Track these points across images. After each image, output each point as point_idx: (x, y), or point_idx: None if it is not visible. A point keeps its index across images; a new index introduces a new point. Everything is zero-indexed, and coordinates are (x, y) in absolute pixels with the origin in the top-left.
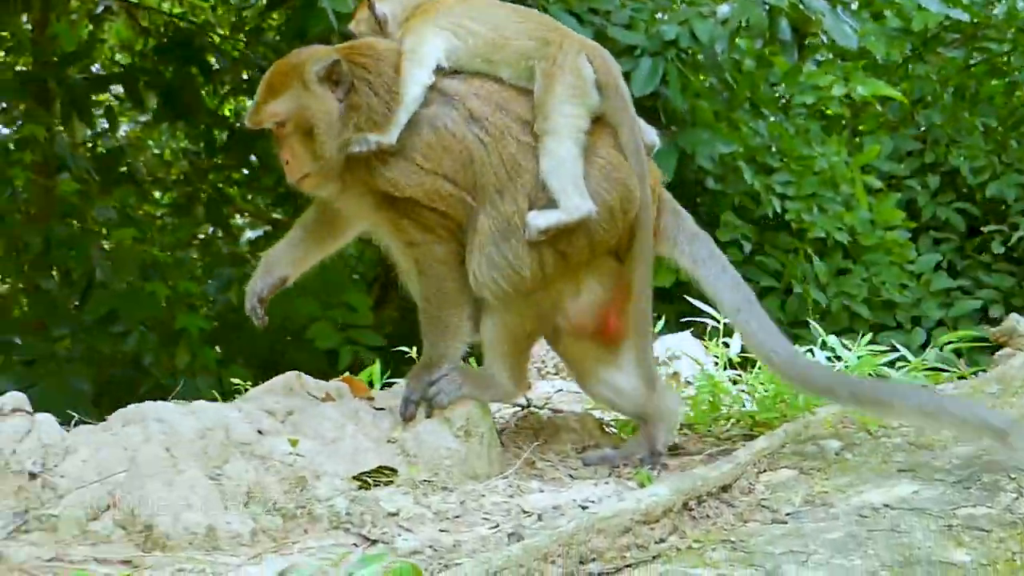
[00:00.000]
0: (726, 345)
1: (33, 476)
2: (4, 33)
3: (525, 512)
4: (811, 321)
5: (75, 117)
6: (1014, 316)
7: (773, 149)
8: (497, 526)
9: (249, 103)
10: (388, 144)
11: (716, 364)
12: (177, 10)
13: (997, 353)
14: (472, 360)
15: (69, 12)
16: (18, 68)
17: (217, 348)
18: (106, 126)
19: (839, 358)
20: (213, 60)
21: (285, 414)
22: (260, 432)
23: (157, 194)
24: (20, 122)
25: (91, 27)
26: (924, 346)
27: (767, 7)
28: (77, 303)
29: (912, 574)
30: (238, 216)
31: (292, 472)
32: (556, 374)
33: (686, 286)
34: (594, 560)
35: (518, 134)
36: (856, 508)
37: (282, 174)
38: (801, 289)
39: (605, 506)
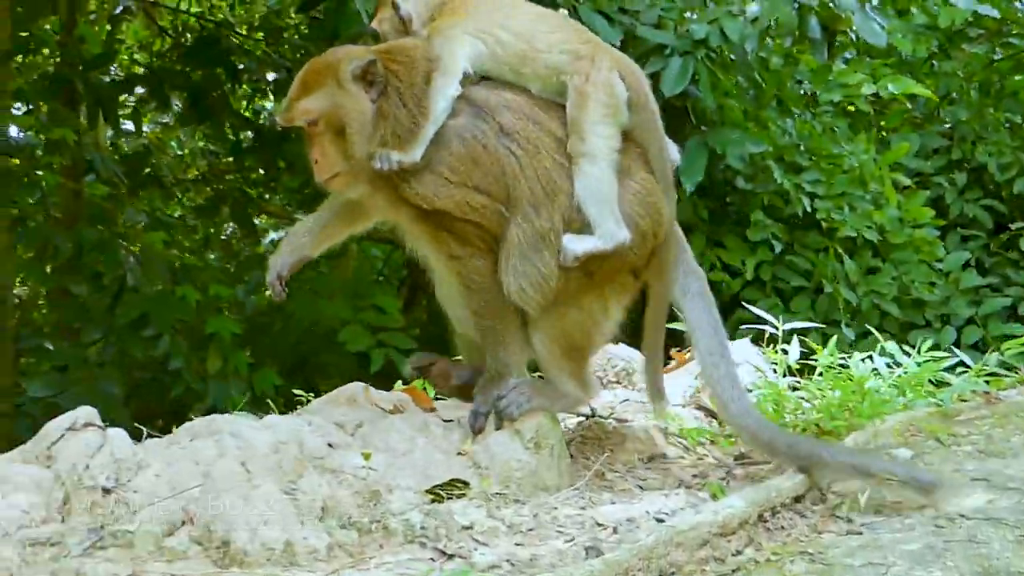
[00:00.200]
0: (784, 352)
1: (107, 491)
2: (25, 33)
3: (599, 525)
4: (842, 321)
5: (101, 119)
6: None
7: (802, 148)
8: (572, 539)
9: (270, 105)
10: (411, 163)
11: (775, 371)
12: (195, 9)
13: None
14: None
15: (88, 13)
16: (43, 70)
17: (247, 352)
18: (129, 127)
19: (898, 364)
20: (239, 62)
21: (354, 427)
22: (331, 445)
23: (179, 195)
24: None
25: (109, 28)
26: (956, 344)
27: (797, 5)
28: (108, 307)
29: None
30: (260, 217)
31: (365, 486)
32: (618, 383)
33: (743, 295)
34: (673, 574)
35: (552, 151)
36: (931, 518)
37: (310, 174)
38: (831, 288)
39: (682, 519)
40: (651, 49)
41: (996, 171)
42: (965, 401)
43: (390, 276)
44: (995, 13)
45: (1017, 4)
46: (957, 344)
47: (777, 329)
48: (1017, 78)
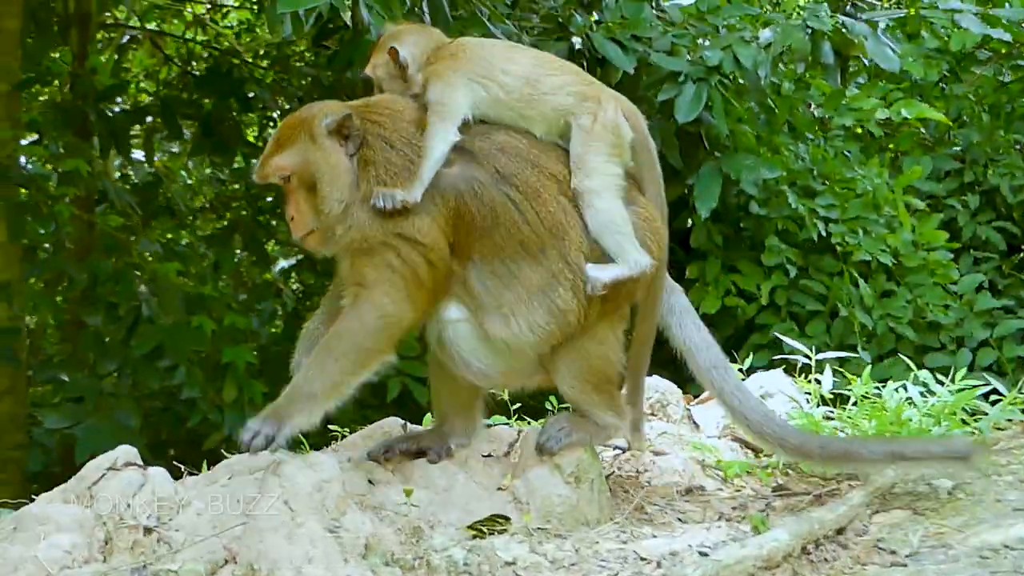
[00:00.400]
0: (818, 382)
1: (148, 530)
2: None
3: (643, 559)
4: (858, 345)
5: (114, 149)
6: None
7: (815, 172)
8: (616, 574)
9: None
10: (413, 202)
11: (808, 401)
12: (202, 38)
13: None
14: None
15: (96, 42)
16: (56, 101)
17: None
18: (138, 157)
19: (932, 393)
20: (250, 91)
21: (394, 463)
22: (371, 482)
23: (189, 224)
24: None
25: (116, 57)
26: (970, 367)
27: (810, 31)
28: (123, 338)
29: None
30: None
31: (407, 522)
32: (653, 415)
33: (758, 319)
34: None
35: (555, 193)
36: (976, 549)
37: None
38: (847, 312)
39: (726, 552)
40: (665, 76)
41: (1008, 193)
42: (1001, 430)
43: None
44: (1007, 36)
45: None
46: (972, 366)
47: (810, 359)
48: None
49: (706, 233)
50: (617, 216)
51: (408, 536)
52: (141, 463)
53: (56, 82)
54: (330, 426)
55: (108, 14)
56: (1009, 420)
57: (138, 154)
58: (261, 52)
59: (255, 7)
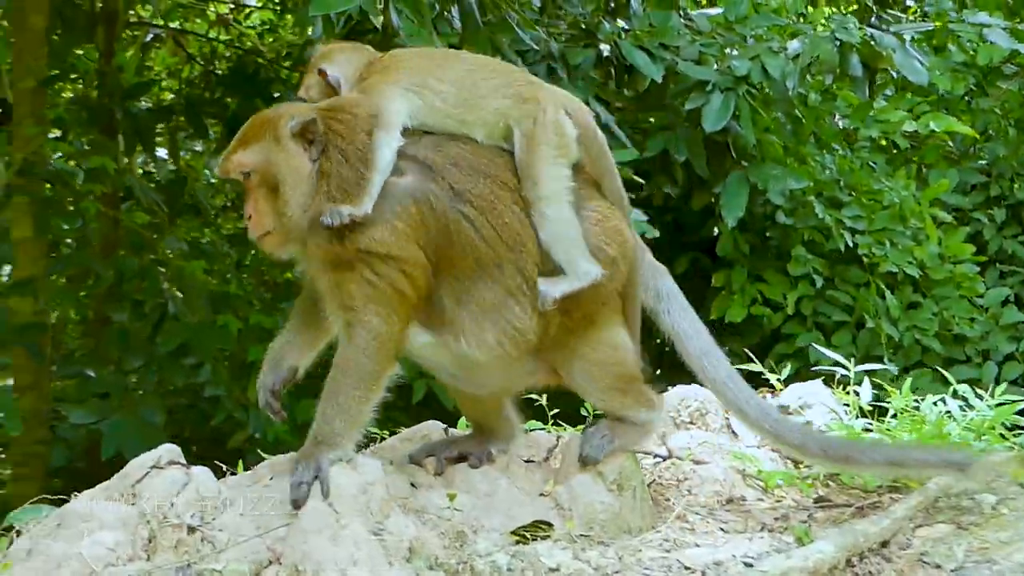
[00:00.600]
0: (856, 394)
1: (192, 529)
2: (64, 63)
3: (687, 568)
4: (884, 356)
5: (139, 147)
6: None
7: (841, 184)
8: None
9: None
10: (362, 215)
11: (847, 413)
12: (225, 37)
13: None
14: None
15: (121, 40)
16: (82, 98)
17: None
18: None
19: (971, 407)
20: (275, 91)
21: (436, 465)
22: (413, 485)
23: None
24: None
25: (139, 55)
26: (996, 381)
27: (838, 43)
28: (149, 336)
29: None
30: None
31: (450, 527)
32: (692, 423)
33: (784, 329)
34: None
35: (509, 203)
36: (1021, 564)
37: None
38: (873, 323)
39: (771, 563)
40: (692, 85)
41: None
42: None
43: None
44: None
45: None
46: (997, 379)
47: (848, 370)
48: None
49: (732, 242)
50: (566, 225)
51: (451, 540)
52: (184, 462)
53: (81, 80)
54: (370, 429)
55: (132, 12)
56: None
57: (160, 152)
58: (284, 53)
59: (278, 8)
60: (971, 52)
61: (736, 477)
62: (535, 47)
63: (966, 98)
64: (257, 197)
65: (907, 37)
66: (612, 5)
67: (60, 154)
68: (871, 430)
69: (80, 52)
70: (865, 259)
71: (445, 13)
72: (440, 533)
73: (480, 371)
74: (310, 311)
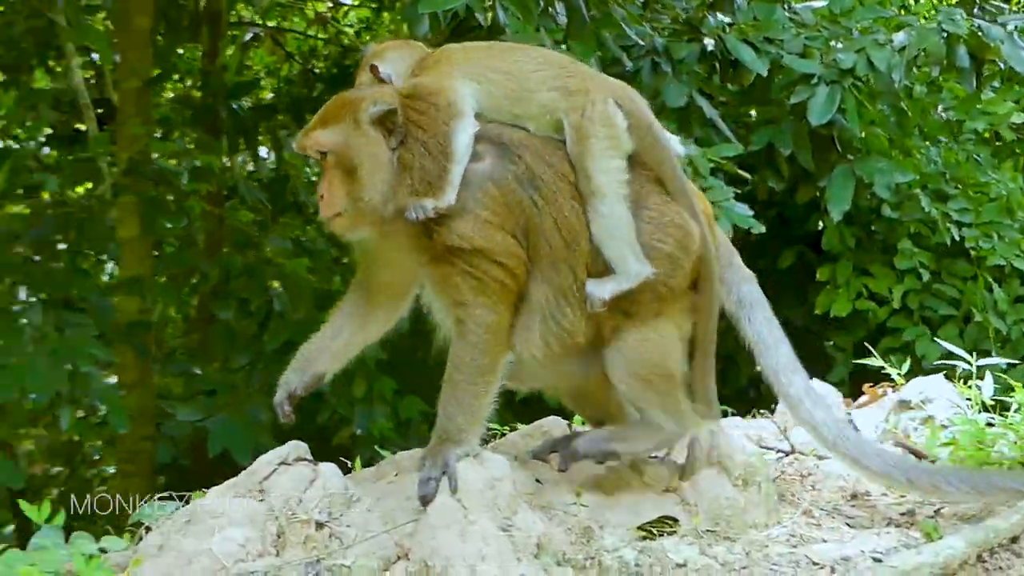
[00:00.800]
0: (978, 388)
1: (320, 525)
2: (166, 62)
3: (815, 564)
4: (992, 350)
5: (242, 145)
6: None
7: (947, 176)
8: None
9: None
10: (446, 207)
11: (970, 407)
12: (323, 35)
13: None
14: None
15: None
16: (186, 97)
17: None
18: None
19: None
20: None
21: (559, 461)
22: (539, 481)
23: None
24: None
25: (241, 54)
26: None
27: (945, 35)
28: (255, 334)
29: None
30: None
31: (577, 522)
32: None
33: (890, 323)
34: None
35: (568, 196)
36: None
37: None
38: (981, 317)
39: (902, 559)
40: (797, 78)
41: None
42: None
43: None
44: None
45: None
46: None
47: (970, 365)
48: None
49: (838, 236)
50: (618, 221)
51: (578, 536)
52: (311, 458)
53: (187, 79)
54: (491, 425)
55: (231, 12)
56: None
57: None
58: None
59: (375, 5)
60: None
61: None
62: (640, 42)
63: None
64: (332, 178)
65: (1009, 26)
66: None
67: (158, 154)
68: (994, 424)
69: (181, 52)
70: (972, 252)
71: (550, 9)
72: (567, 529)
73: (525, 368)
74: (353, 315)
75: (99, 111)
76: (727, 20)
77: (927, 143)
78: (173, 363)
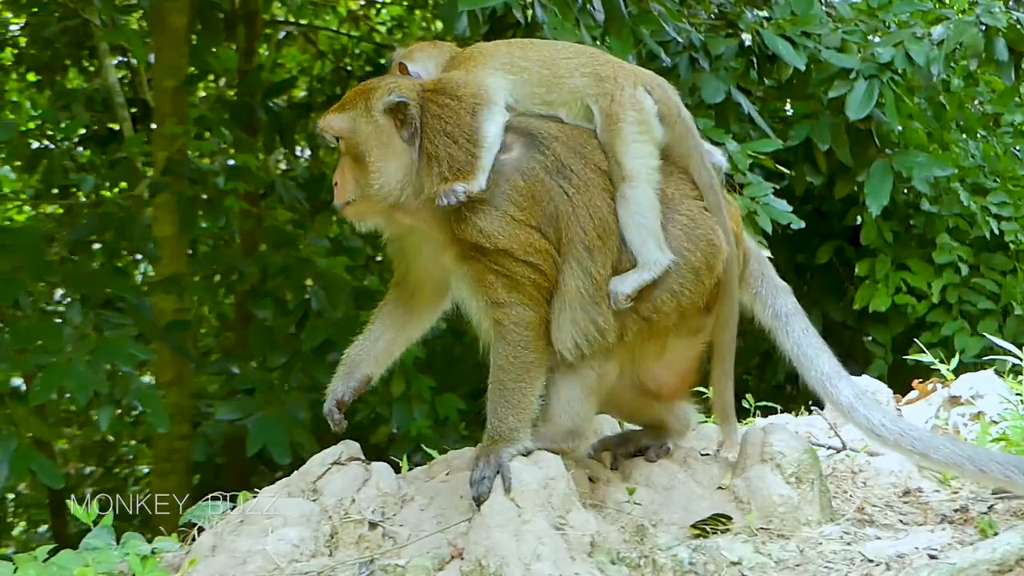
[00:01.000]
0: None
1: (373, 525)
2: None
3: (869, 560)
4: None
5: (278, 144)
6: None
7: (986, 170)
8: (844, 575)
9: None
10: (478, 191)
11: (1021, 402)
12: (356, 33)
13: None
14: None
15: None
16: (223, 97)
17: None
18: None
19: None
20: None
21: (611, 460)
22: (591, 480)
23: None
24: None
25: (274, 53)
26: None
27: (983, 28)
28: (293, 332)
29: None
30: None
31: (630, 521)
32: None
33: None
34: None
35: (600, 187)
36: None
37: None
38: (1021, 310)
39: (959, 556)
40: (835, 73)
41: None
42: None
43: None
44: None
45: None
46: None
47: (1021, 360)
48: None
49: (876, 230)
50: (645, 208)
51: (632, 535)
52: (363, 458)
53: (222, 79)
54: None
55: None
56: None
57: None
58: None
59: (408, 3)
60: None
61: (911, 468)
62: (677, 38)
63: None
64: (344, 164)
65: None
66: None
67: (195, 153)
68: None
69: (215, 51)
70: (1011, 246)
71: (588, 6)
72: (620, 527)
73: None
74: (392, 318)
75: (133, 111)
76: (764, 15)
77: (965, 136)
78: (210, 362)
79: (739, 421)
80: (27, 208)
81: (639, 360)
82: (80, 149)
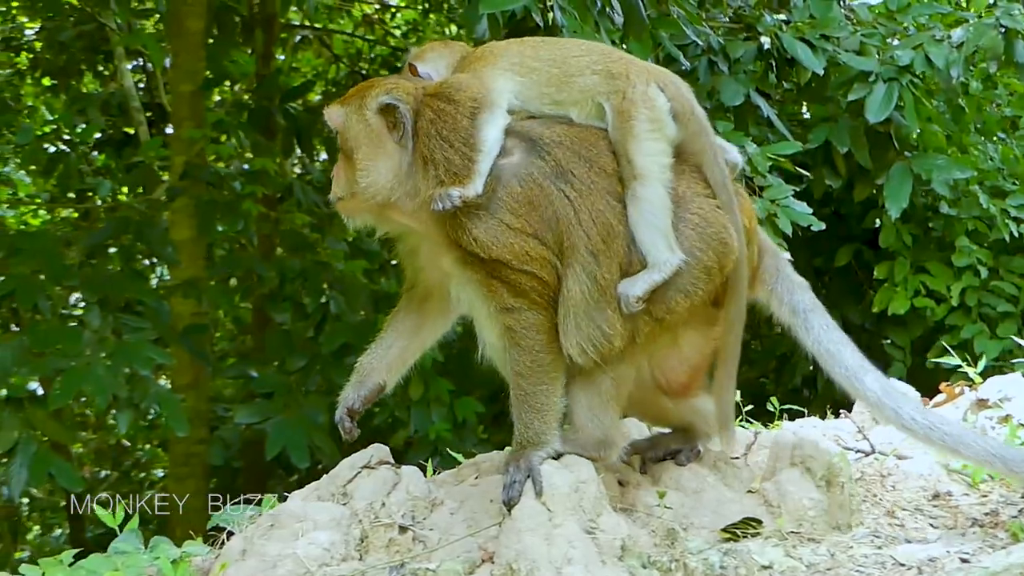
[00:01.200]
0: None
1: (403, 529)
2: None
3: (901, 564)
4: None
5: (295, 148)
6: None
7: (1005, 172)
8: None
9: None
10: (473, 196)
11: None
12: (371, 37)
13: None
14: None
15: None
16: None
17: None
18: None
19: None
20: None
21: (640, 463)
22: (620, 483)
23: None
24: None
25: (291, 57)
26: None
27: (1003, 30)
28: (312, 336)
29: None
30: None
31: (660, 524)
32: None
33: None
34: None
35: (605, 192)
36: None
37: None
38: None
39: (992, 560)
40: (854, 76)
41: None
42: None
43: None
44: None
45: None
46: None
47: None
48: None
49: (895, 233)
50: (656, 207)
51: (662, 538)
52: (393, 461)
53: (239, 83)
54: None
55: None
56: None
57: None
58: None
59: (423, 7)
60: None
61: (940, 472)
62: (697, 41)
63: None
64: (340, 160)
65: None
66: None
67: (215, 157)
68: None
69: (232, 55)
70: None
71: (607, 8)
72: (651, 531)
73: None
74: (405, 326)
75: (148, 115)
76: (783, 18)
77: (984, 139)
78: (227, 366)
79: (764, 426)
80: (43, 212)
81: (654, 359)
82: (96, 153)
